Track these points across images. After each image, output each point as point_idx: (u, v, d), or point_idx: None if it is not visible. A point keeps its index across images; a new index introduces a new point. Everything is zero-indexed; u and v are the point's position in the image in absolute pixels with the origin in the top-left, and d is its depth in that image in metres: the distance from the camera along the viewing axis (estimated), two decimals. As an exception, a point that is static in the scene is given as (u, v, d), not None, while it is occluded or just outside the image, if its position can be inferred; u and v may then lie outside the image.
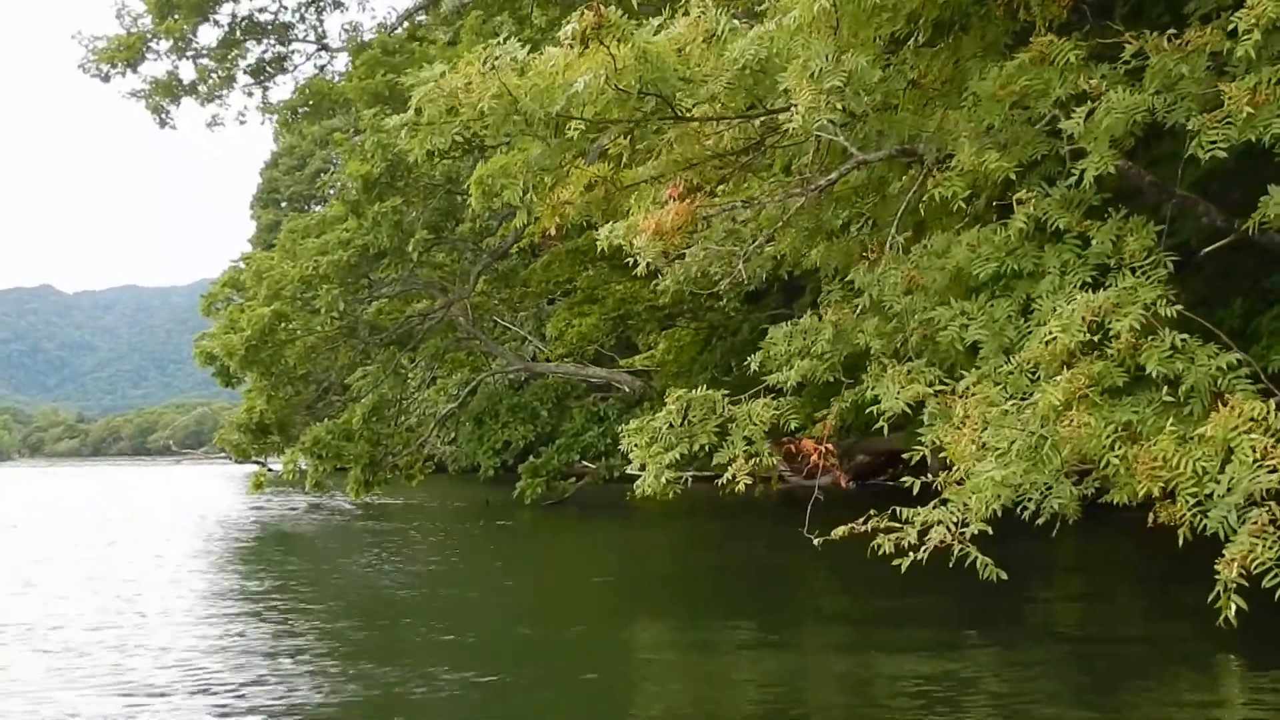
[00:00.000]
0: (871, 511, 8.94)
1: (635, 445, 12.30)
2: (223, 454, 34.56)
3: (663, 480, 11.71)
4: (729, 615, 15.58)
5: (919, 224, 12.36)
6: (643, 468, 12.08)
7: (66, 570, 22.03)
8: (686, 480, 11.96)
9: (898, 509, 8.95)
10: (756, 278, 14.70)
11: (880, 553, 8.75)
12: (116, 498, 51.69)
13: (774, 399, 11.85)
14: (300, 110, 31.79)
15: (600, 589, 19.51)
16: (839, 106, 10.46)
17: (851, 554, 9.51)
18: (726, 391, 12.19)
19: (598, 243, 13.22)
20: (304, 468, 30.42)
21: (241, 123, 33.56)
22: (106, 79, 30.74)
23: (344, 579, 20.23)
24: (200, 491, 55.77)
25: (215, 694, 11.00)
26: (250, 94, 33.22)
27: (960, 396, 9.75)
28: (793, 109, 10.20)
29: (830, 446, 11.73)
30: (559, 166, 12.58)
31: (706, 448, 11.81)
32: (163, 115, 32.26)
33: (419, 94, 11.28)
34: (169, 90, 31.51)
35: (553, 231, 13.11)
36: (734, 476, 11.19)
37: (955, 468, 9.18)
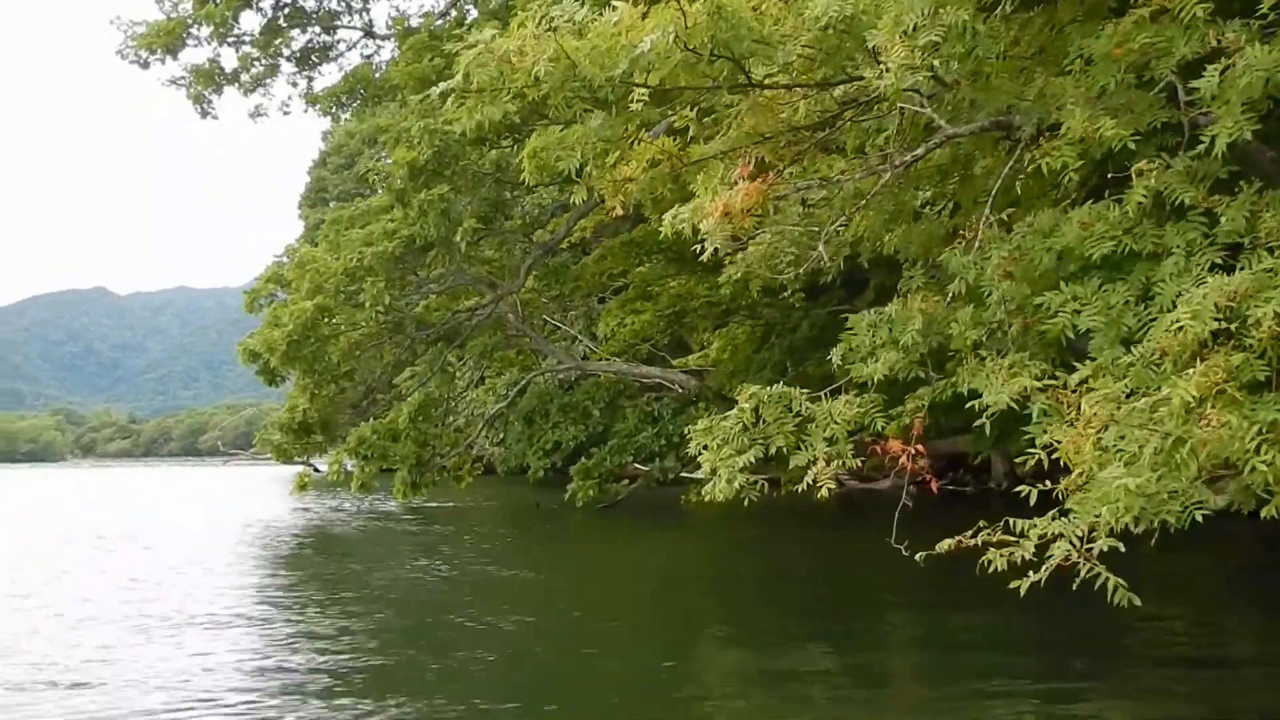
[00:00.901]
0: (981, 523, 7.90)
1: (704, 447, 11.35)
2: (269, 455, 33.76)
3: (735, 485, 10.78)
4: (798, 629, 14.48)
5: (1011, 203, 11.34)
6: (713, 471, 11.12)
7: (100, 575, 21.28)
8: (761, 486, 10.99)
9: (1010, 520, 7.89)
10: (834, 264, 13.84)
11: (990, 570, 7.70)
12: (161, 499, 51.19)
13: (856, 396, 10.85)
14: (344, 98, 30.78)
15: (658, 597, 18.46)
16: (933, 65, 9.54)
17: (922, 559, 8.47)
18: (806, 389, 11.22)
19: (660, 228, 12.28)
20: (350, 469, 29.68)
21: (285, 113, 32.60)
22: (146, 65, 29.87)
23: (386, 588, 19.27)
24: (244, 493, 55.21)
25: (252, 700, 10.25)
26: (294, 84, 32.38)
27: (1074, 391, 8.70)
28: (882, 69, 9.22)
29: (920, 448, 10.71)
30: (621, 138, 11.60)
31: (784, 450, 10.86)
32: (204, 105, 31.35)
33: (467, 58, 10.23)
34: (210, 78, 30.59)
35: (618, 210, 12.08)
36: (815, 480, 10.22)
37: (1076, 472, 8.11)
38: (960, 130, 11.06)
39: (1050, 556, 7.46)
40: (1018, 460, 8.72)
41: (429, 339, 29.28)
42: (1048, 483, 8.05)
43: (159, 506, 43.60)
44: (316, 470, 38.24)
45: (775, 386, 11.11)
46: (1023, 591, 7.31)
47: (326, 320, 25.18)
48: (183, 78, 30.84)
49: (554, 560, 23.62)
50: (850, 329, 11.63)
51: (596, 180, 11.96)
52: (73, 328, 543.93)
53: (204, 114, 31.35)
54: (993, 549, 7.98)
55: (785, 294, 21.25)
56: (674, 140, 12.20)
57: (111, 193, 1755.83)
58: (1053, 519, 7.71)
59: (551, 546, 26.89)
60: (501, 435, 42.16)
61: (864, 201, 12.25)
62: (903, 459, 10.42)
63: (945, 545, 8.42)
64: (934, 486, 11.21)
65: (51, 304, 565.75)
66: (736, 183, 11.51)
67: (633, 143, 11.82)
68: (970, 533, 8.13)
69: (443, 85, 11.05)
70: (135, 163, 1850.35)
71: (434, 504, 38.35)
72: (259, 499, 48.65)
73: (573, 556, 24.54)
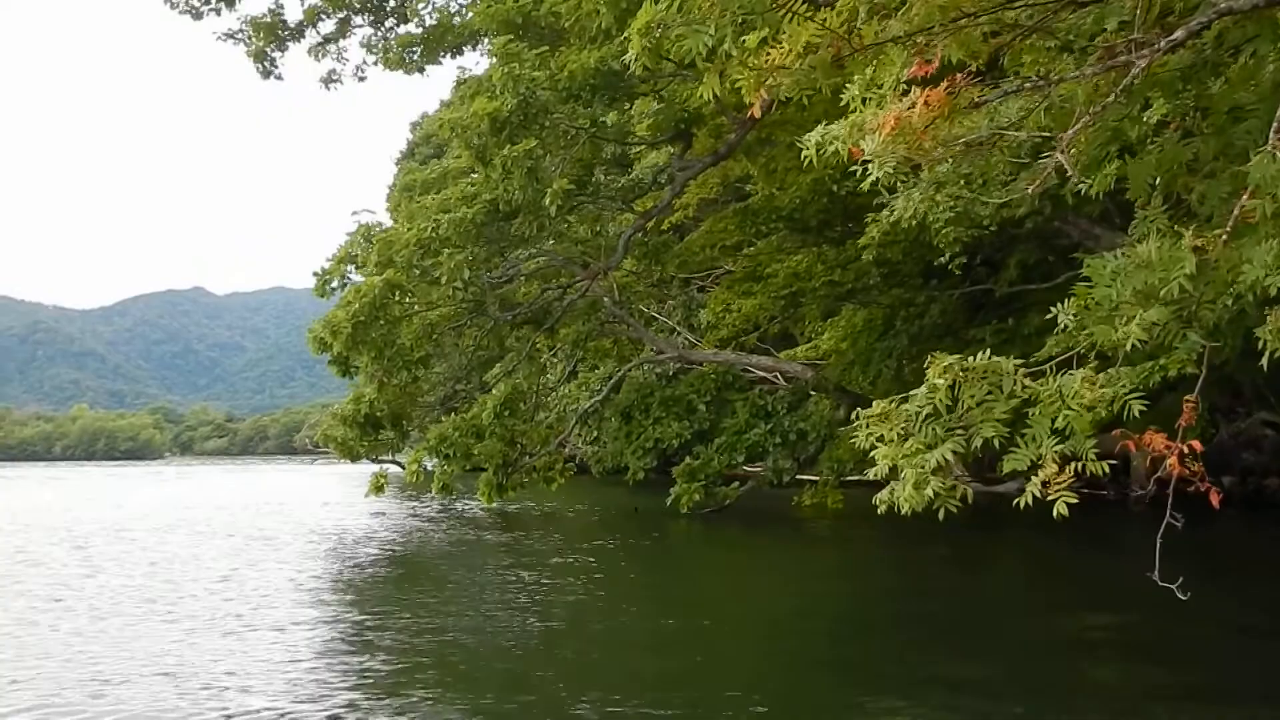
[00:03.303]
0: None
1: (880, 439, 8.40)
2: (332, 453, 30.89)
3: (928, 492, 7.76)
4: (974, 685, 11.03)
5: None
6: (893, 471, 8.13)
7: (164, 585, 18.44)
8: (964, 494, 7.96)
9: None
10: (1031, 199, 10.86)
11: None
12: (226, 504, 47.98)
13: (1093, 370, 8.07)
14: (418, 48, 27.22)
15: (797, 633, 14.89)
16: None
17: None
18: (1020, 363, 8.32)
19: (804, 154, 9.32)
20: (430, 468, 26.96)
21: (361, 79, 29.15)
22: (198, 16, 26.80)
23: (468, 625, 15.99)
24: (321, 495, 52.42)
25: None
26: (368, 46, 28.99)
27: None
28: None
29: (1198, 444, 7.68)
30: (769, 10, 8.46)
31: (996, 443, 7.70)
32: (266, 64, 28.23)
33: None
34: (272, 32, 27.58)
35: (756, 111, 8.88)
36: (1046, 492, 7.26)
37: None
38: (1238, 5, 8.13)
39: None
40: None
41: (515, 320, 26.14)
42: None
43: (218, 514, 39.65)
44: (403, 467, 35.60)
45: (980, 356, 8.19)
46: None
47: (397, 299, 22.10)
48: (241, 31, 27.88)
49: (663, 582, 19.96)
50: (1086, 280, 8.62)
51: (733, 68, 8.80)
52: (171, 328, 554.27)
53: (267, 74, 28.23)
54: None
55: (943, 258, 17.78)
56: (837, 15, 9.04)
57: (209, 192, 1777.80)
58: None
59: (658, 563, 23.21)
60: (595, 433, 39.07)
61: (1101, 108, 9.20)
62: (1170, 459, 7.52)
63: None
64: (1215, 499, 7.98)
65: (151, 304, 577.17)
66: (911, 88, 8.50)
67: (786, 17, 8.66)
68: None
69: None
70: (230, 161, 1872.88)
71: (522, 508, 35.40)
72: (334, 502, 45.74)
73: (685, 578, 20.89)
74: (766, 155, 26.41)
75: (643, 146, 31.01)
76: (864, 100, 9.24)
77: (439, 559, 23.64)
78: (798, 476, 30.20)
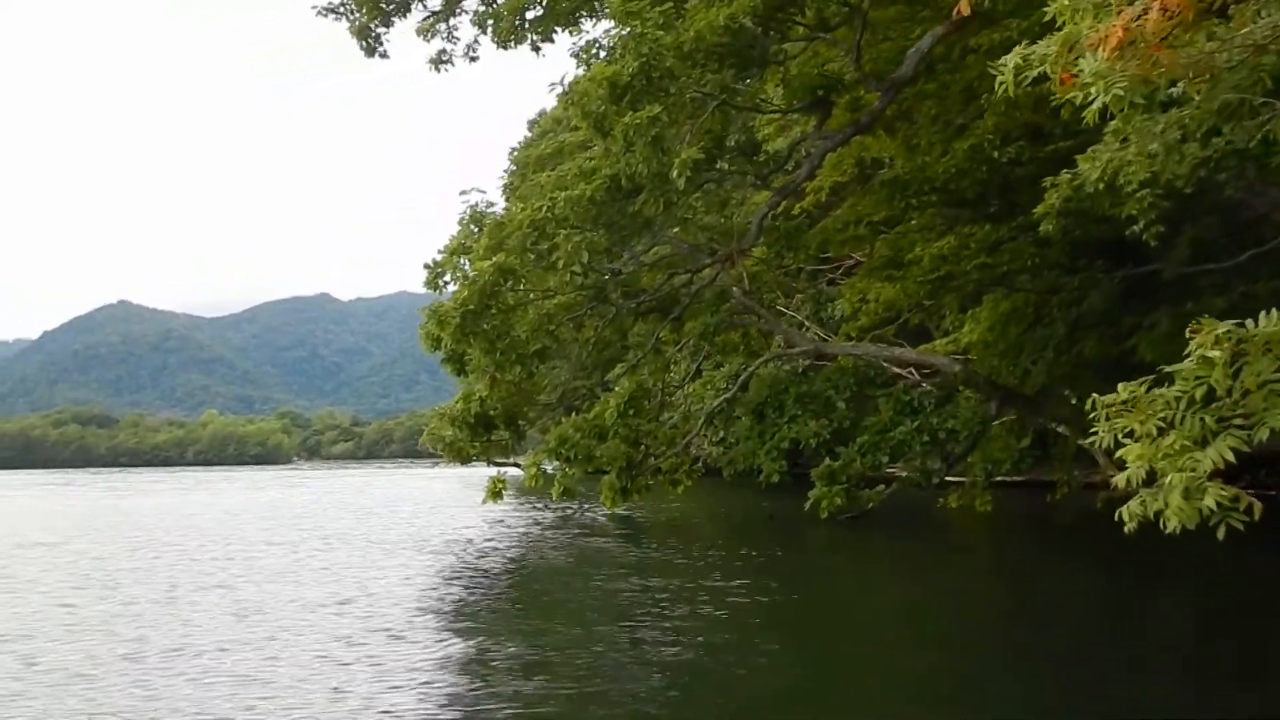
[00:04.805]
0: None
1: (1130, 434, 6.44)
2: (441, 454, 29.28)
3: (1207, 502, 6.10)
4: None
5: None
6: (1150, 476, 6.44)
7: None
8: (1250, 507, 5.94)
9: None
10: None
11: None
12: (333, 511, 46.34)
13: None
14: (527, 14, 25.07)
15: (978, 672, 12.74)
16: None
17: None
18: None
19: (997, 80, 7.73)
20: (549, 472, 25.57)
21: (472, 59, 27.04)
22: (294, -12, 25.40)
23: (595, 641, 14.13)
24: (433, 499, 51.05)
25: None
26: (480, 23, 27.02)
27: None
28: None
29: None
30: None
31: None
32: (370, 40, 26.57)
33: None
34: (375, 7, 25.87)
35: (966, 9, 7.04)
36: None
37: None
38: None
39: None
40: None
41: (640, 310, 24.23)
42: None
43: (317, 524, 37.48)
44: (522, 469, 34.08)
45: (1263, 318, 6.29)
46: None
47: (510, 286, 20.28)
48: (342, 5, 26.23)
49: (814, 601, 17.60)
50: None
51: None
52: (298, 333, 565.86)
53: (371, 51, 26.54)
54: None
55: (1136, 226, 15.29)
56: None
57: (333, 198, 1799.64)
58: None
59: (803, 577, 20.73)
60: (721, 433, 37.11)
61: None
62: None
63: None
64: None
65: (278, 311, 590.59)
66: (1142, -5, 6.61)
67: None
68: None
69: None
70: (358, 168, 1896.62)
71: (648, 513, 33.53)
72: (446, 507, 44.18)
73: (837, 595, 18.66)
74: (907, 130, 24.29)
75: (771, 128, 28.94)
76: (1075, 13, 7.48)
77: (563, 573, 21.73)
78: (950, 479, 28.03)
